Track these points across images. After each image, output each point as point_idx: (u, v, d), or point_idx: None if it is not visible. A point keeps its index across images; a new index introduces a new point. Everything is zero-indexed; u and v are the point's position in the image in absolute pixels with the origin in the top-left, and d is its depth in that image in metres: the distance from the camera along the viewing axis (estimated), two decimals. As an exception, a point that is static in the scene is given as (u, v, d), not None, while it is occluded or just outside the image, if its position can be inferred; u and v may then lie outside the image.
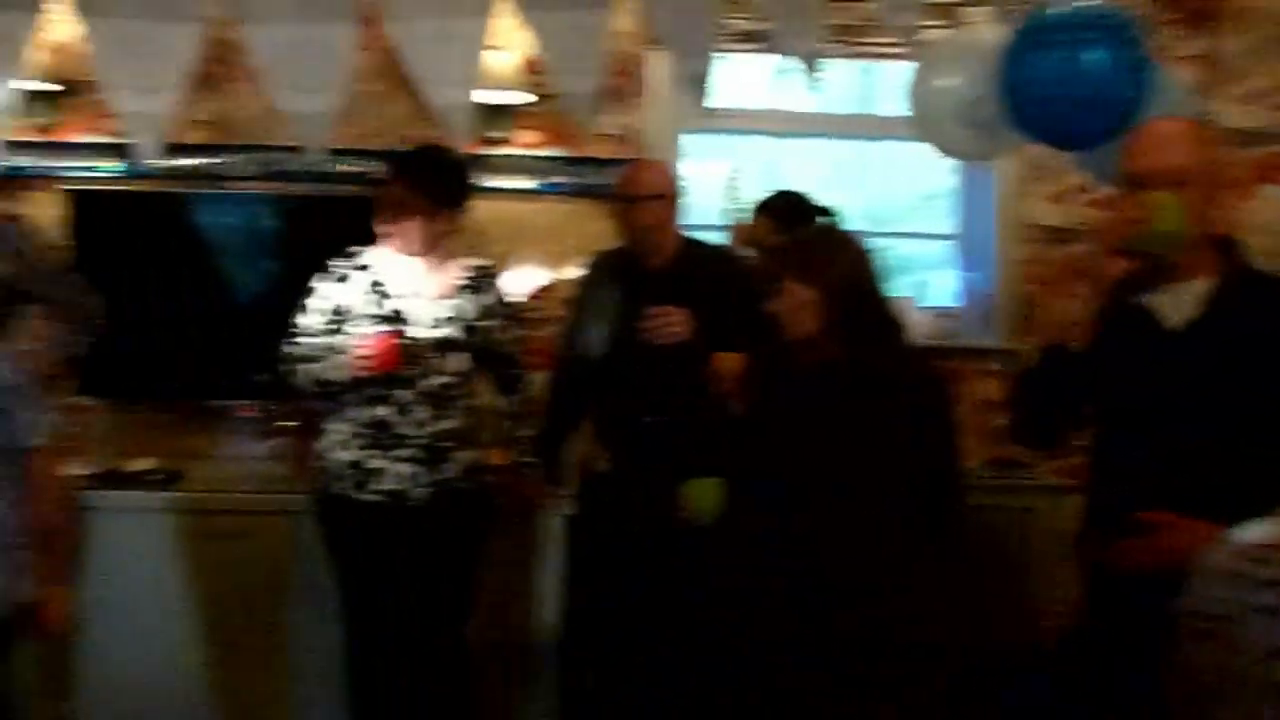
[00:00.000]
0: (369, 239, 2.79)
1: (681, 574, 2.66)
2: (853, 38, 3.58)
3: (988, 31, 2.62)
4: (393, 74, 3.44)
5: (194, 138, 3.46)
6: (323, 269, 2.80)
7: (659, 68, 3.55)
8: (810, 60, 2.19)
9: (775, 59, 3.74)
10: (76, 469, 3.23)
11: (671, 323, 2.66)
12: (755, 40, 3.48)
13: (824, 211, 3.13)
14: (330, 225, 3.40)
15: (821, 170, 4.11)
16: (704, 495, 2.25)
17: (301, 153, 3.37)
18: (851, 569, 2.05)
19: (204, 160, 3.48)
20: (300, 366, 2.71)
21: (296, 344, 2.73)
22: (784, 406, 2.15)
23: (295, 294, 3.34)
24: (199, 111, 3.46)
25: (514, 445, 2.93)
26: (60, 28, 3.12)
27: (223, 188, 3.50)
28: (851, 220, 3.33)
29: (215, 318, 3.48)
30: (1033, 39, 2.33)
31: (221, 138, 3.52)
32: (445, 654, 2.81)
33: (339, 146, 3.19)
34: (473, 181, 2.85)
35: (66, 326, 2.93)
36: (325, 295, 2.75)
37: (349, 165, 3.45)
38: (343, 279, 2.76)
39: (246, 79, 3.45)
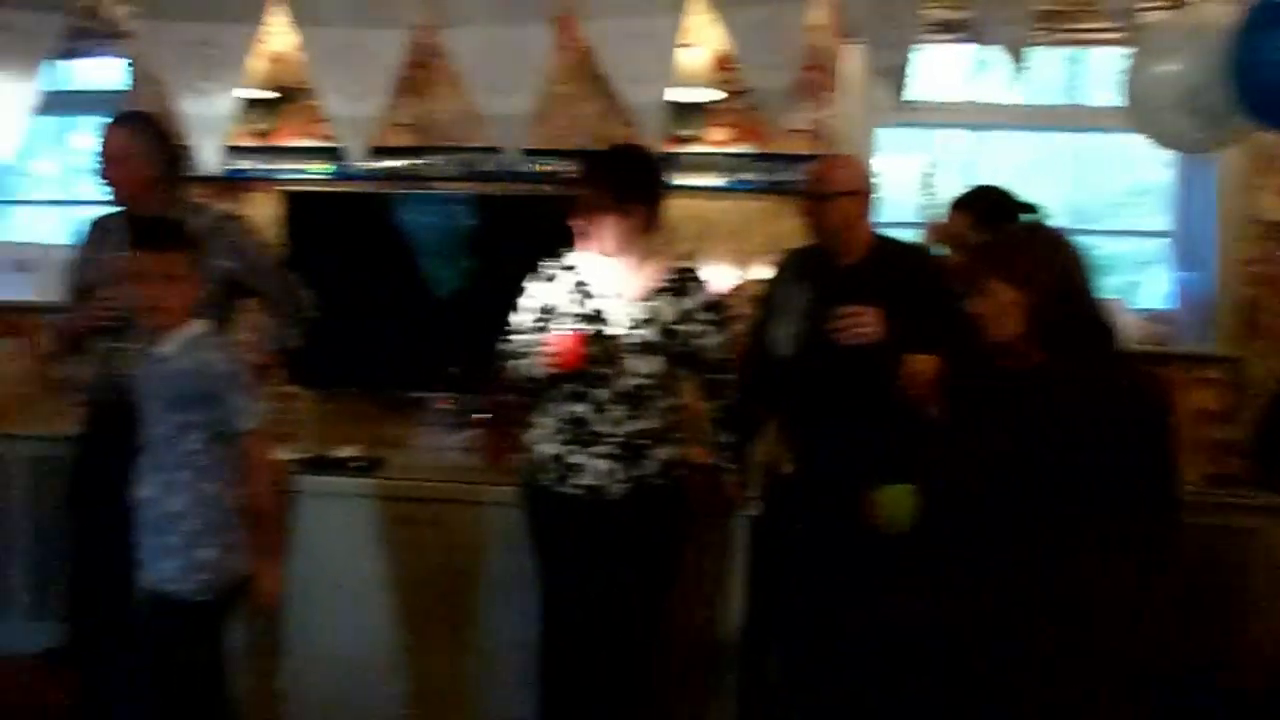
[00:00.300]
0: (562, 237, 2.83)
1: (868, 581, 2.60)
2: (1060, 24, 3.39)
3: (1214, 11, 2.43)
4: (585, 74, 3.50)
5: (397, 140, 3.62)
6: (518, 266, 2.87)
7: (853, 61, 3.46)
8: (1015, 48, 2.09)
9: (975, 48, 3.62)
10: (286, 454, 3.44)
11: (862, 323, 2.58)
12: (954, 29, 3.36)
13: (1027, 208, 2.98)
14: (525, 224, 3.50)
15: (1023, 164, 3.94)
16: (897, 503, 2.18)
17: (498, 153, 3.50)
18: (1052, 587, 1.94)
19: (407, 161, 3.63)
20: (510, 363, 2.79)
21: (509, 341, 2.80)
22: (983, 413, 2.05)
23: (491, 291, 3.44)
24: (402, 115, 3.61)
25: (717, 449, 2.88)
26: (277, 39, 3.32)
27: (424, 188, 3.64)
28: (1056, 217, 3.16)
29: (415, 312, 3.62)
30: (1267, 17, 2.14)
31: (423, 140, 3.66)
32: (637, 648, 2.82)
33: (534, 147, 3.26)
34: (665, 180, 2.83)
35: (280, 319, 3.11)
36: (534, 294, 2.82)
37: (543, 165, 3.53)
38: (550, 279, 2.82)
39: (446, 82, 3.58)
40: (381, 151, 3.45)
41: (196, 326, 2.46)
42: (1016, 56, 2.11)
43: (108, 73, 4.04)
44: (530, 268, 2.89)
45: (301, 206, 3.63)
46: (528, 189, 3.56)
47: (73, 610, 3.28)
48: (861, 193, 2.79)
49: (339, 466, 3.35)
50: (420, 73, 3.52)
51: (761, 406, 2.95)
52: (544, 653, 2.87)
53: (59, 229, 4.21)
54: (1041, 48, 3.25)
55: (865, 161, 3.20)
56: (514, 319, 2.83)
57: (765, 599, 2.96)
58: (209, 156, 1.87)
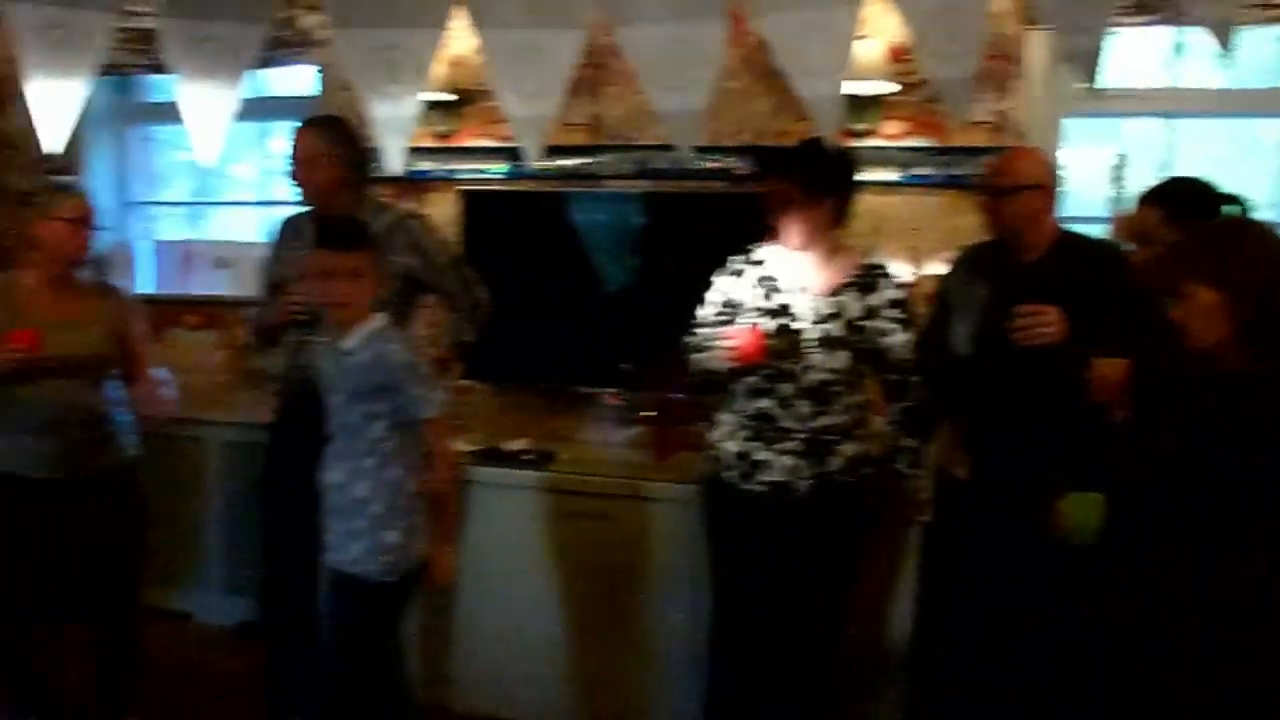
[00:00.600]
0: (735, 233, 2.82)
1: (1042, 586, 2.49)
2: (1272, 1, 3.15)
3: None
4: (756, 69, 3.48)
5: (571, 140, 3.67)
6: (688, 263, 2.88)
7: (1039, 47, 3.31)
8: (1223, 30, 1.94)
9: (1172, 31, 3.40)
10: (461, 445, 3.55)
11: (1044, 322, 2.47)
12: (1150, 10, 3.16)
13: (1231, 200, 2.78)
14: (695, 221, 3.51)
15: (1222, 155, 3.68)
16: (1084, 512, 2.07)
17: (671, 151, 3.52)
18: (1256, 605, 1.81)
19: (580, 160, 3.68)
20: (692, 356, 2.80)
21: (693, 334, 2.82)
22: (1180, 421, 1.92)
23: (661, 288, 3.45)
24: (575, 115, 3.67)
25: (898, 453, 2.80)
26: (457, 43, 3.43)
27: (596, 186, 3.69)
28: (1261, 210, 2.94)
29: (587, 309, 3.67)
30: None
31: (595, 139, 3.70)
32: (819, 649, 2.79)
33: (704, 144, 3.26)
34: (855, 174, 2.78)
35: (458, 315, 3.21)
36: (720, 289, 2.83)
37: (714, 162, 3.52)
38: (737, 274, 2.82)
39: (618, 82, 3.63)
40: (555, 151, 3.52)
41: (377, 320, 2.56)
42: (1224, 38, 1.97)
43: (300, 80, 4.26)
44: (701, 264, 2.89)
45: (478, 205, 3.73)
46: (698, 186, 3.56)
47: (263, 587, 3.48)
48: (1044, 186, 2.67)
49: (510, 459, 3.44)
50: (593, 72, 3.57)
51: (938, 408, 2.86)
52: (715, 651, 2.86)
53: (256, 228, 4.46)
54: (1249, 28, 3.03)
55: (1050, 153, 3.05)
56: (699, 313, 2.84)
57: (936, 604, 2.87)
58: (394, 158, 1.93)
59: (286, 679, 3.37)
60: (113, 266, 4.36)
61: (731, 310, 2.79)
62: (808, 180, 2.66)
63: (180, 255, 4.36)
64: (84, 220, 3.00)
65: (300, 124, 3.21)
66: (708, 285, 2.87)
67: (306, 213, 3.26)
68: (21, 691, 3.18)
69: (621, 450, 3.60)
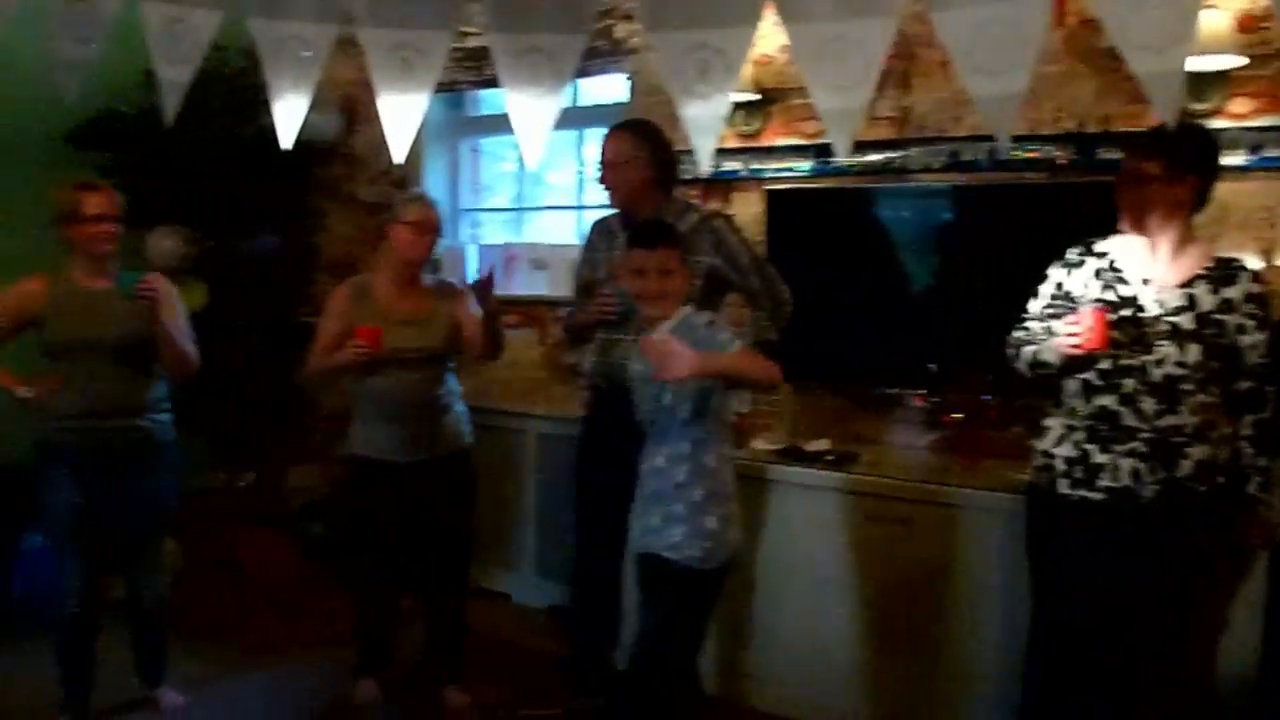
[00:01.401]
0: (1054, 228, 2.65)
1: None
2: None
3: None
4: (1078, 50, 3.26)
5: (877, 134, 3.59)
6: (1002, 260, 2.74)
7: None
8: None
9: None
10: (763, 444, 3.56)
11: None
12: None
13: None
14: (1009, 215, 3.33)
15: None
16: None
17: (983, 142, 3.37)
18: None
19: (886, 155, 3.59)
20: (1022, 350, 2.66)
21: (1023, 328, 2.69)
22: None
23: (972, 286, 3.31)
24: (882, 107, 3.58)
25: (1247, 473, 2.53)
26: (762, 42, 3.45)
27: (902, 181, 3.58)
28: None
29: (892, 308, 3.58)
30: None
31: (903, 132, 3.59)
32: (1161, 673, 2.58)
33: (1022, 133, 3.09)
34: (1219, 155, 2.56)
35: (760, 313, 3.22)
36: (1055, 281, 2.68)
37: (1032, 151, 3.32)
38: (1075, 265, 2.65)
39: (926, 72, 3.51)
40: (862, 145, 3.46)
41: (684, 311, 2.62)
42: None
43: (612, 88, 4.44)
44: (1015, 261, 2.74)
45: (783, 203, 3.73)
46: (1013, 178, 3.37)
47: (572, 574, 3.65)
48: None
49: (812, 459, 3.41)
50: (901, 63, 3.48)
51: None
52: (1035, 670, 2.68)
53: (571, 231, 4.69)
54: None
55: None
56: (1031, 306, 2.70)
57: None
58: (704, 158, 1.96)
59: (588, 661, 3.52)
60: (446, 268, 4.73)
61: (1067, 303, 2.62)
62: (1172, 158, 2.46)
63: (502, 257, 4.66)
64: (429, 225, 3.27)
65: (610, 128, 3.35)
66: (1022, 283, 2.71)
67: (616, 214, 3.39)
68: (365, 652, 3.52)
69: (925, 454, 3.48)
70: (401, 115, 2.12)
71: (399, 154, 2.13)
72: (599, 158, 3.32)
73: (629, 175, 3.23)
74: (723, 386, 2.56)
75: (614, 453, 3.32)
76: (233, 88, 4.51)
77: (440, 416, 3.32)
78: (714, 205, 3.89)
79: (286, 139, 2.21)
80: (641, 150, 3.24)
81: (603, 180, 3.31)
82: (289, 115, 2.19)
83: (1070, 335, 2.44)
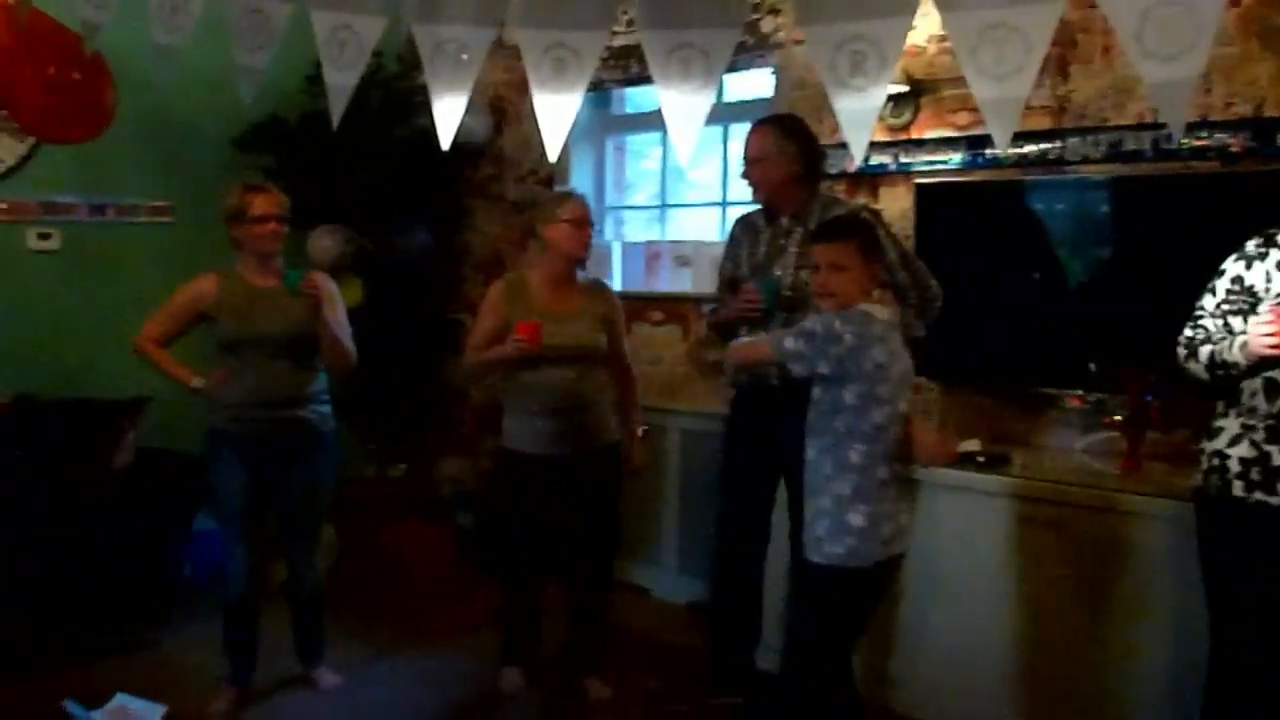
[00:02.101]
0: (1226, 219, 2.51)
1: None
2: None
3: None
4: (1253, 31, 3.08)
5: (1032, 124, 3.47)
6: (1165, 254, 2.60)
7: None
8: None
9: None
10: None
11: None
12: None
13: None
14: (1177, 207, 3.16)
15: None
16: None
17: (1147, 130, 3.22)
18: None
19: (1042, 146, 3.46)
20: (1198, 349, 2.49)
21: (1198, 326, 2.52)
22: None
23: (1133, 282, 3.16)
24: (1037, 97, 3.46)
25: None
26: (911, 34, 3.36)
27: (1058, 172, 3.45)
28: None
29: (1048, 305, 3.45)
30: None
31: (1060, 122, 3.46)
32: None
33: (1191, 119, 2.94)
34: None
35: (908, 310, 3.16)
36: (1232, 275, 2.50)
37: (1202, 139, 3.16)
38: (1255, 257, 2.48)
39: (1088, 59, 3.37)
40: (1017, 137, 3.33)
41: (863, 306, 2.58)
42: None
43: (757, 84, 4.41)
44: (1181, 255, 2.60)
45: (933, 197, 3.64)
46: (1180, 167, 3.21)
47: (713, 570, 3.65)
48: None
49: (962, 460, 3.31)
50: (1057, 50, 3.36)
51: None
52: (1217, 688, 2.52)
53: (714, 228, 4.69)
54: None
55: None
56: (1205, 302, 2.53)
57: None
58: (858, 151, 1.93)
59: (728, 659, 3.52)
60: (592, 266, 4.80)
61: (1247, 298, 2.44)
62: None
63: (646, 255, 4.69)
64: (586, 220, 3.32)
65: (754, 123, 3.33)
66: (1189, 278, 2.56)
67: (760, 210, 3.37)
68: (511, 641, 3.60)
69: (1083, 457, 3.34)
70: (555, 115, 2.15)
71: (553, 153, 2.17)
72: (743, 153, 3.31)
73: (773, 171, 3.21)
74: (830, 384, 2.53)
75: (757, 451, 3.32)
76: (388, 92, 4.68)
77: (590, 411, 3.37)
78: (861, 200, 3.83)
79: (445, 139, 2.27)
80: (787, 145, 3.22)
81: (747, 176, 3.30)
82: (447, 117, 2.25)
83: (1267, 334, 2.29)
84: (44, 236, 4.37)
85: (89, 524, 3.81)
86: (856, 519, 2.51)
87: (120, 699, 2.37)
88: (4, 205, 4.25)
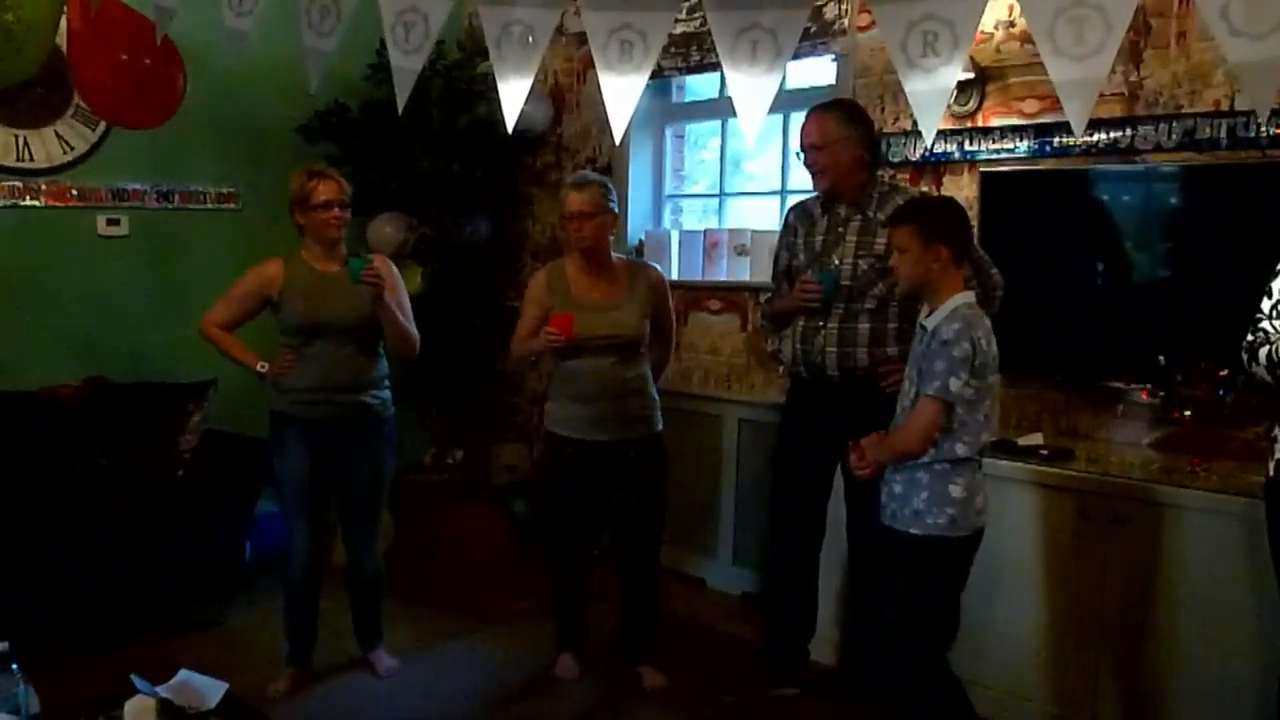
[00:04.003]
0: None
1: None
2: None
3: None
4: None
5: (1102, 111, 3.38)
6: (1238, 245, 2.51)
7: None
8: None
9: None
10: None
11: None
12: None
13: None
14: (1256, 197, 3.06)
15: None
16: None
17: (1224, 118, 3.13)
18: None
19: (1112, 133, 3.37)
20: (1259, 351, 2.40)
21: (1257, 331, 2.43)
22: None
23: (1205, 273, 3.08)
24: (1107, 84, 3.36)
25: None
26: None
27: (1131, 161, 3.36)
28: None
29: (1115, 297, 3.37)
30: None
31: (1131, 109, 3.38)
32: None
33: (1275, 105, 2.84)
34: None
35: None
36: None
37: (1276, 128, 3.05)
38: None
39: (1159, 44, 3.29)
40: (1087, 124, 3.25)
41: (960, 298, 2.59)
42: None
43: (819, 71, 4.37)
44: (1258, 247, 2.52)
45: (997, 186, 3.58)
46: (1259, 156, 3.11)
47: (771, 561, 3.62)
48: None
49: (1025, 453, 3.26)
50: (1130, 35, 3.26)
51: None
52: None
53: (773, 217, 4.65)
54: None
55: None
56: (1262, 305, 2.44)
57: None
58: (928, 134, 1.90)
59: (785, 650, 3.50)
60: (649, 253, 4.79)
61: None
62: None
63: (704, 243, 4.67)
64: (578, 215, 3.28)
65: (812, 109, 3.28)
66: (1266, 272, 2.47)
67: (816, 197, 3.33)
68: (563, 627, 3.61)
69: (1148, 452, 3.26)
70: (620, 98, 2.14)
71: (618, 134, 2.16)
72: (802, 141, 3.26)
73: (839, 156, 3.17)
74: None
75: (813, 442, 3.29)
76: (449, 80, 4.71)
77: (631, 400, 3.36)
78: (927, 189, 3.78)
79: (510, 122, 2.27)
80: (851, 130, 3.18)
81: (810, 163, 3.25)
82: (512, 100, 2.25)
83: None
84: (113, 222, 4.46)
85: (155, 504, 3.89)
86: (957, 490, 2.56)
87: (184, 675, 2.40)
88: (75, 192, 4.35)
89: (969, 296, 2.62)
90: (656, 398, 3.46)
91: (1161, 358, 3.11)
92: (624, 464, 3.37)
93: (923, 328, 2.64)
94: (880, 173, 3.36)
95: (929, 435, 2.54)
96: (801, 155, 3.28)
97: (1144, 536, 2.96)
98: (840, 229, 3.23)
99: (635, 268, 3.48)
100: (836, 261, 3.20)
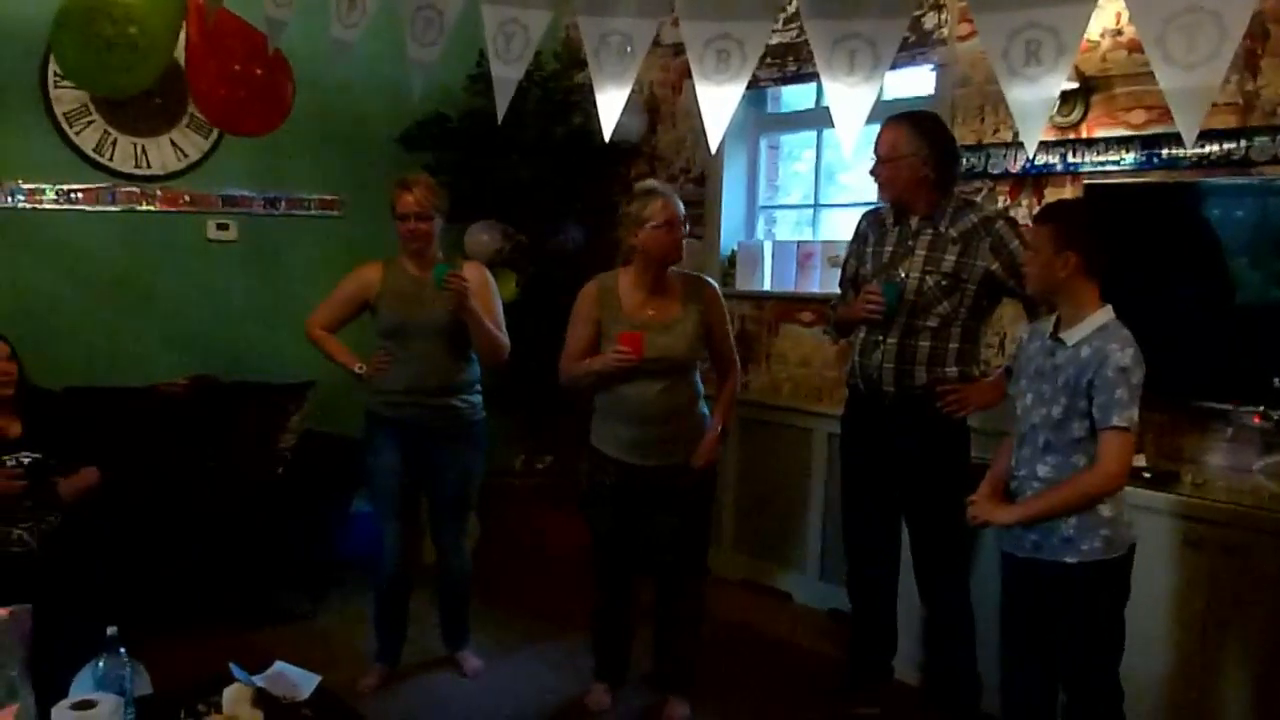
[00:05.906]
0: None
1: None
2: None
3: None
4: None
5: (1214, 122, 3.26)
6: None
7: None
8: None
9: None
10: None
11: None
12: None
13: None
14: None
15: None
16: None
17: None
18: None
19: (1225, 145, 3.25)
20: None
21: None
22: None
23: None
24: (1219, 93, 3.25)
25: None
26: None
27: (1244, 174, 3.24)
28: None
29: (1223, 314, 3.24)
30: None
31: (1245, 120, 3.25)
32: None
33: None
34: None
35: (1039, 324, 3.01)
36: None
37: None
38: None
39: (1275, 53, 3.16)
40: (1198, 136, 3.14)
41: (1103, 315, 2.51)
42: None
43: (916, 82, 4.30)
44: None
45: (1102, 199, 3.47)
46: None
47: (850, 578, 3.56)
48: None
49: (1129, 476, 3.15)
50: (1245, 43, 3.14)
51: None
52: None
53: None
54: None
55: None
56: None
57: None
58: (1031, 146, 1.86)
59: (867, 669, 3.44)
60: (742, 265, 4.77)
61: None
62: None
63: (798, 255, 4.63)
64: (674, 223, 3.10)
65: (887, 120, 3.20)
66: None
67: (886, 208, 3.27)
68: (601, 656, 3.50)
69: (1261, 478, 3.13)
70: (716, 107, 2.14)
71: (714, 143, 2.16)
72: (874, 149, 3.19)
73: (902, 172, 3.11)
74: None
75: (873, 463, 3.23)
76: (546, 90, 4.77)
77: (673, 424, 3.17)
78: (1026, 202, 3.70)
79: (607, 131, 2.29)
80: (919, 147, 3.09)
81: (874, 172, 3.19)
82: (609, 110, 2.26)
83: None
84: (222, 227, 4.62)
85: (255, 500, 4.00)
86: (1106, 509, 2.49)
87: (279, 666, 2.47)
88: (188, 198, 4.52)
89: (1111, 313, 2.51)
90: (706, 415, 3.26)
91: (1277, 380, 2.98)
92: (668, 488, 3.19)
93: (1058, 340, 2.54)
94: (955, 187, 3.26)
95: (1128, 467, 2.49)
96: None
97: (1259, 566, 2.85)
98: (910, 241, 3.16)
99: (691, 283, 3.26)
100: (902, 274, 3.13)
